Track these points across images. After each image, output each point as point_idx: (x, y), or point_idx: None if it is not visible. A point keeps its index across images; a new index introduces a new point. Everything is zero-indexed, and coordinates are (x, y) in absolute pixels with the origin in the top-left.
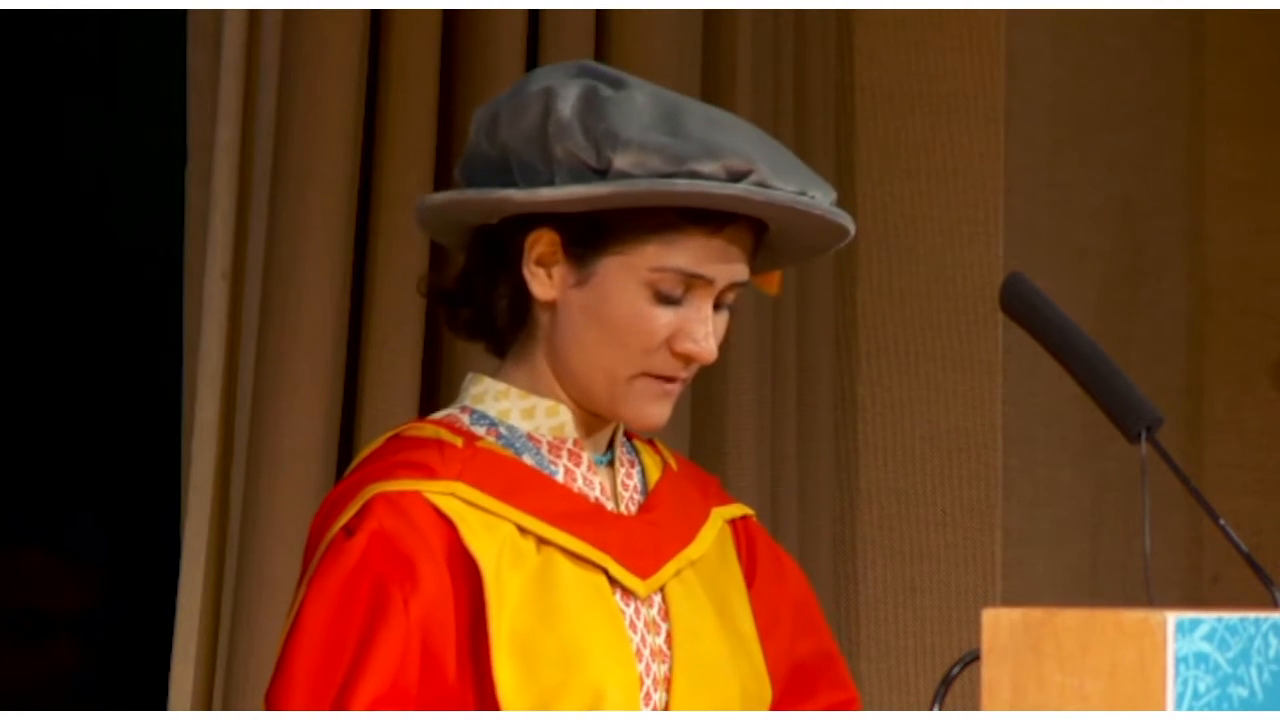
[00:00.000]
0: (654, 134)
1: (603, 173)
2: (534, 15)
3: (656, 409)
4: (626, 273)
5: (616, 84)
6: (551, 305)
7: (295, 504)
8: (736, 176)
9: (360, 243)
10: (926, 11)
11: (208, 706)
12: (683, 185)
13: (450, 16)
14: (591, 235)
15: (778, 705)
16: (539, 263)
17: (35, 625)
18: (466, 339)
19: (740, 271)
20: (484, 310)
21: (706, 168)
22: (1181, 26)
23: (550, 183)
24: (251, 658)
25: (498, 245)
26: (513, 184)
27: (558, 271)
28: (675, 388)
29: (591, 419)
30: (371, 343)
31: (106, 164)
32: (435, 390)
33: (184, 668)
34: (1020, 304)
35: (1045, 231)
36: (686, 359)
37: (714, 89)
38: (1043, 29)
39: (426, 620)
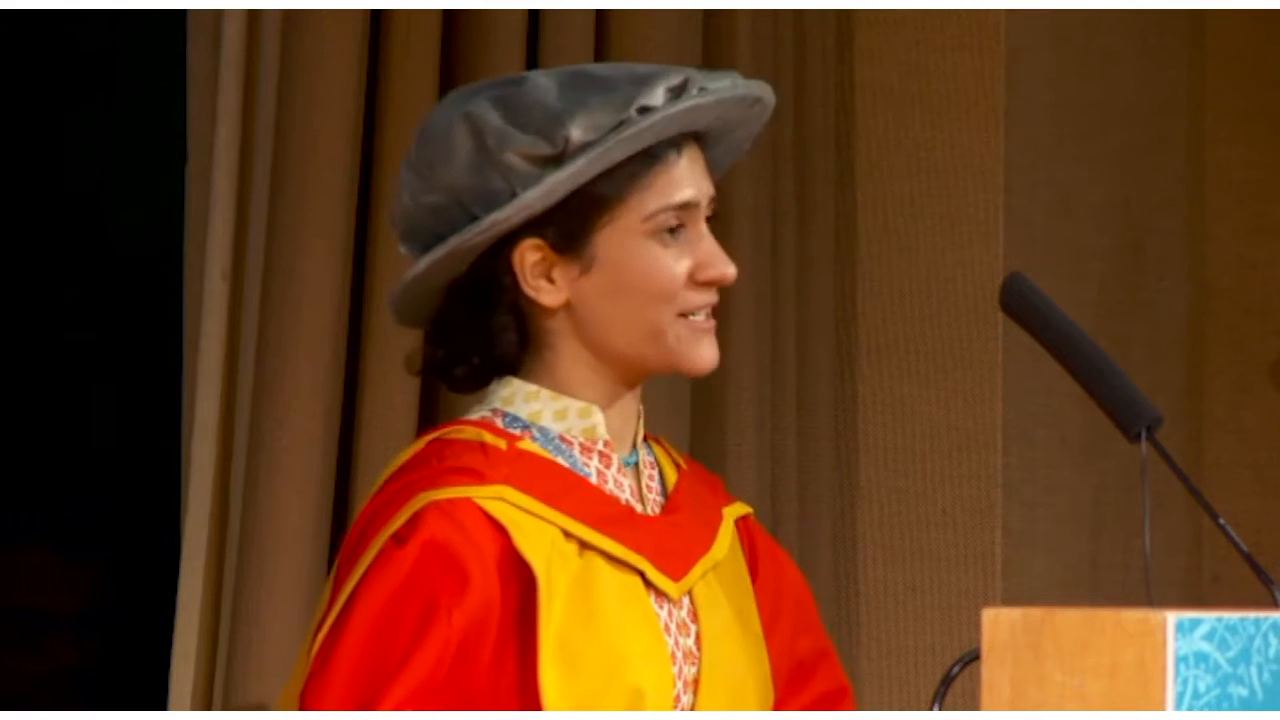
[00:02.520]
0: (585, 95)
1: (561, 154)
2: (534, 15)
3: (709, 349)
4: (625, 235)
5: (510, 82)
6: (565, 307)
7: (295, 503)
8: (678, 92)
9: (360, 241)
10: (926, 11)
11: (208, 706)
12: (648, 121)
13: (450, 16)
14: (575, 222)
15: (777, 704)
16: (535, 273)
17: (35, 624)
18: (474, 391)
19: (709, 185)
20: (486, 352)
21: (652, 99)
22: (1182, 26)
23: (514, 193)
24: (252, 657)
25: (475, 289)
26: (474, 216)
27: (558, 273)
28: (712, 324)
29: (619, 418)
30: (371, 341)
31: (106, 163)
32: (435, 389)
33: (184, 667)
34: (1020, 303)
35: (1045, 231)
36: (709, 284)
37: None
38: (1043, 28)
39: (467, 627)
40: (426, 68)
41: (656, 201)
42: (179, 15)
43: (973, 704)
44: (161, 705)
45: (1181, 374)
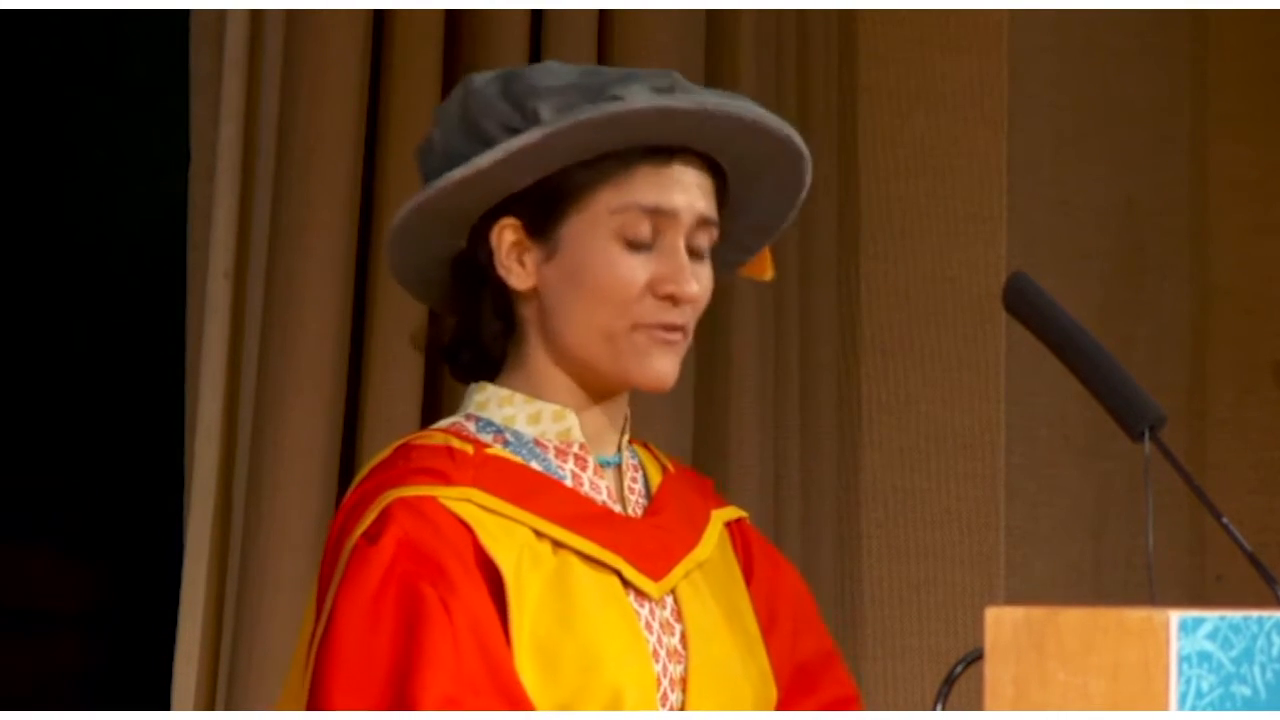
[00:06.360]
0: (575, 80)
1: (528, 127)
2: (536, 15)
3: (663, 362)
4: (590, 228)
5: (532, 67)
6: (533, 294)
7: (298, 503)
8: (659, 92)
9: (362, 242)
10: (929, 11)
11: (210, 706)
12: (610, 107)
13: (452, 15)
14: (547, 205)
15: (781, 705)
16: (509, 254)
17: (36, 624)
18: (469, 381)
19: (702, 205)
20: (476, 338)
21: (628, 91)
22: (1184, 26)
23: None
24: (254, 657)
25: (471, 264)
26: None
27: (529, 257)
28: (676, 338)
29: (598, 421)
30: (373, 341)
31: (109, 163)
32: (437, 389)
33: (187, 667)
34: (1023, 303)
35: (1048, 230)
36: (671, 300)
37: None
38: (1045, 28)
39: (474, 623)
40: (429, 68)
41: (624, 198)
42: (182, 15)
43: (976, 703)
44: (164, 705)
45: (1184, 373)
